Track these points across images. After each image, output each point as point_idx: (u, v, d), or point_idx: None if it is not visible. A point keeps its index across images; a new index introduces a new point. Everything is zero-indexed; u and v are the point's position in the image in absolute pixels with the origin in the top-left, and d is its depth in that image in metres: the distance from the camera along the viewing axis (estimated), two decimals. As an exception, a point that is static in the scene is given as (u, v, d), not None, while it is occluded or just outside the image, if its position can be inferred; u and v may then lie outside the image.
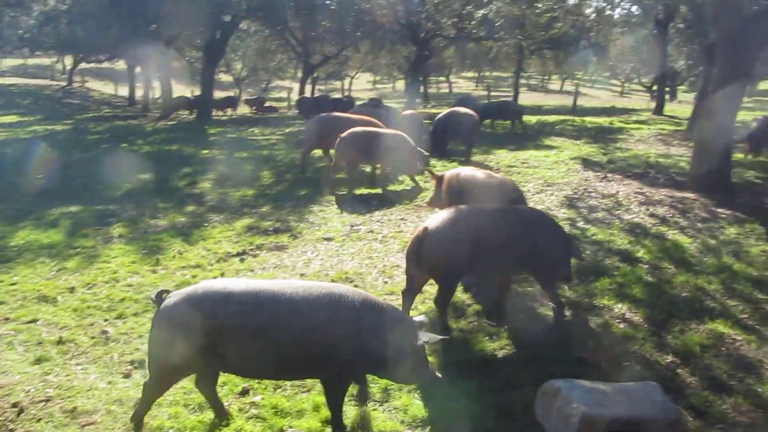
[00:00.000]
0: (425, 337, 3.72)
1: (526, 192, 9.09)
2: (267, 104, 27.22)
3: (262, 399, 4.25)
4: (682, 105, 28.47)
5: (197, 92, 24.94)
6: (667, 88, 29.92)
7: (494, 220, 5.16)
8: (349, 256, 6.94)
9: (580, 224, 7.80)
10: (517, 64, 27.35)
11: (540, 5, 17.69)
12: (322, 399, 4.09)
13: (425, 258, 4.92)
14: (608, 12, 20.48)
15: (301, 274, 6.45)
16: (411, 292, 5.23)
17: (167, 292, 3.64)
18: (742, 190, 9.38)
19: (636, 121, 19.38)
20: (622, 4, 20.19)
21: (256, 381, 4.39)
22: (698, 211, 8.33)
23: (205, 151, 13.78)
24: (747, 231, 7.67)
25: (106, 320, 5.55)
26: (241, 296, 3.48)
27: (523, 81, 40.57)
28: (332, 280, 6.16)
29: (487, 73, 47.45)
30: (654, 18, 19.66)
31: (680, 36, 20.19)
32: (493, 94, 29.15)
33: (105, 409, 4.15)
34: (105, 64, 30.10)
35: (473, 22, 19.78)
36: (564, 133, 15.76)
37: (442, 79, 45.28)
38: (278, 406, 4.14)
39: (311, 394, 4.23)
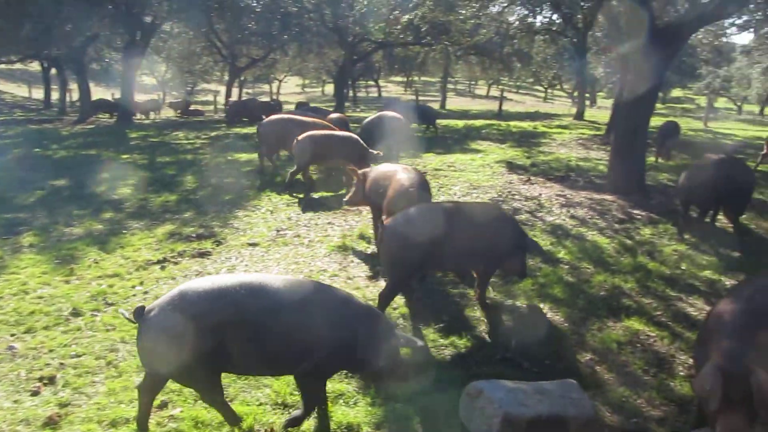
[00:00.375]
0: (402, 338, 3.76)
1: (453, 195, 9.23)
2: (192, 107, 26.56)
3: (182, 412, 4.09)
4: (601, 110, 29.59)
5: (118, 95, 24.05)
6: (587, 94, 31.12)
7: (451, 218, 5.19)
8: (275, 261, 6.82)
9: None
10: (444, 69, 27.78)
11: (464, 12, 17.99)
12: (243, 409, 3.99)
13: (381, 256, 5.31)
14: (530, 19, 21.01)
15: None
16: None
17: (143, 308, 3.51)
18: (655, 192, 9.80)
19: (558, 126, 20.03)
20: (543, 12, 20.77)
21: (176, 393, 4.23)
22: (615, 213, 8.65)
23: (126, 156, 13.29)
24: (660, 231, 8.01)
25: (13, 335, 5.22)
26: (235, 290, 3.48)
27: (450, 86, 41.30)
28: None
29: (416, 78, 48.00)
30: (573, 26, 20.37)
31: (597, 44, 20.99)
32: (421, 98, 29.49)
33: (10, 430, 3.90)
34: (17, 66, 28.60)
35: (399, 27, 19.93)
36: (490, 137, 16.10)
37: (372, 83, 45.45)
38: (198, 418, 3.99)
39: (233, 404, 4.11)
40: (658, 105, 38.39)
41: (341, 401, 4.23)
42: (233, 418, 3.84)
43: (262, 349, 3.51)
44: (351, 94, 32.28)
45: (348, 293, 3.93)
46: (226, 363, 3.58)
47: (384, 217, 5.85)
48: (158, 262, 6.83)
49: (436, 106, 26.95)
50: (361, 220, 8.04)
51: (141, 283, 6.23)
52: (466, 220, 5.26)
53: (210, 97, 32.70)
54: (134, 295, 5.97)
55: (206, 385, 3.69)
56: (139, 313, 3.46)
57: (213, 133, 17.16)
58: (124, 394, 4.28)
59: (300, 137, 9.30)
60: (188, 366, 3.44)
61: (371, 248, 7.01)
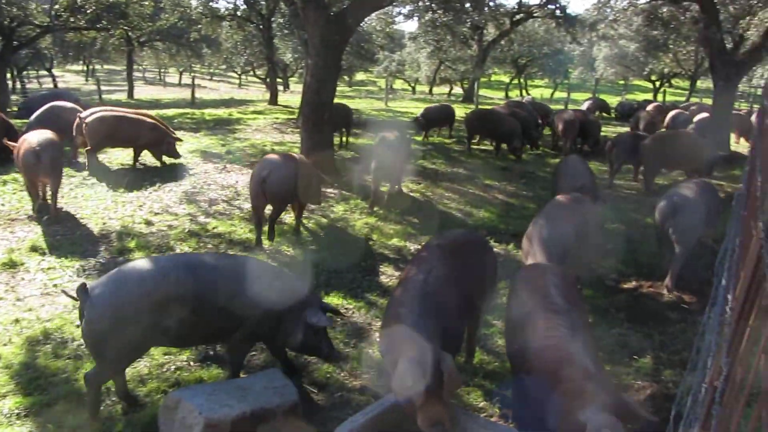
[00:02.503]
0: (315, 317, 3.96)
1: (144, 191, 8.58)
2: None
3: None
4: (294, 94, 30.52)
5: None
6: (279, 79, 31.79)
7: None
8: None
9: (201, 219, 7.65)
10: (128, 57, 25.81)
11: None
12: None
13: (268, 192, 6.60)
14: (213, 4, 20.57)
15: None
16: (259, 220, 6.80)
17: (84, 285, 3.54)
18: (345, 170, 10.36)
19: (253, 112, 20.04)
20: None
21: None
22: (311, 193, 8.91)
23: None
24: (352, 206, 8.49)
25: None
26: (175, 268, 3.69)
27: (138, 74, 38.70)
28: None
29: (99, 67, 43.97)
30: (258, 12, 20.49)
31: (281, 30, 21.45)
32: (105, 88, 27.06)
33: None
34: None
35: (66, 11, 17.79)
36: (183, 127, 15.38)
37: (45, 72, 40.33)
38: None
39: None
40: (346, 88, 41.13)
41: None
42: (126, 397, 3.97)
43: (202, 321, 3.72)
44: (19, 85, 28.21)
45: (279, 267, 4.37)
46: (165, 337, 3.71)
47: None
48: None
49: (122, 96, 25.02)
50: (32, 230, 6.99)
51: None
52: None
53: None
54: None
55: (125, 361, 3.78)
56: (84, 291, 3.50)
57: None
58: None
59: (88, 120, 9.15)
60: (129, 341, 3.56)
61: (46, 260, 6.15)
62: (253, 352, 4.62)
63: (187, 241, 6.85)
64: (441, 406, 3.08)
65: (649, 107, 18.89)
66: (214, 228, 7.31)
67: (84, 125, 9.14)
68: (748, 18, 16.69)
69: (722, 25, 13.96)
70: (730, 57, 13.20)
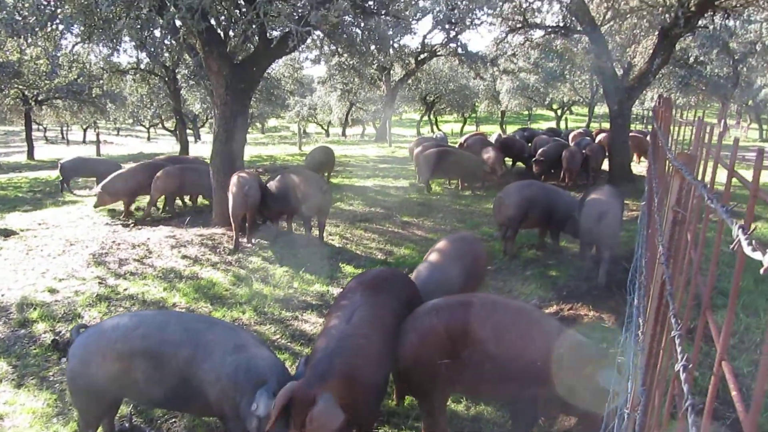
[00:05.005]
0: (258, 401, 3.25)
1: (47, 256, 8.12)
2: None
3: None
4: (206, 144, 30.04)
5: None
6: (190, 130, 31.25)
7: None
8: None
9: (111, 281, 7.28)
10: (25, 116, 24.66)
11: (30, 51, 16.18)
12: None
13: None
14: (114, 59, 20.04)
15: None
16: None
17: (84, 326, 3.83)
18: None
19: (164, 165, 19.52)
20: (126, 51, 20.08)
21: None
22: (227, 245, 8.69)
23: None
24: (270, 256, 8.33)
25: None
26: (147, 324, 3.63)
27: (39, 134, 37.13)
28: None
29: (-6, 128, 41.95)
30: (162, 65, 20.14)
31: (187, 81, 21.17)
32: (2, 150, 25.74)
33: None
34: None
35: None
36: (88, 185, 14.80)
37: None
38: None
39: None
40: (259, 135, 40.91)
41: None
42: None
43: (165, 382, 3.55)
44: None
45: (251, 336, 3.80)
46: (133, 392, 3.66)
47: None
48: None
49: (21, 158, 23.84)
50: None
51: None
52: None
53: None
54: None
55: (96, 410, 3.76)
56: (75, 334, 3.79)
57: None
58: None
59: None
60: (96, 391, 3.60)
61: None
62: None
63: (96, 306, 6.48)
64: None
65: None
66: (125, 290, 6.97)
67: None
68: (633, 46, 17.87)
69: (611, 54, 14.87)
70: (621, 83, 14.05)
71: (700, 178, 2.19)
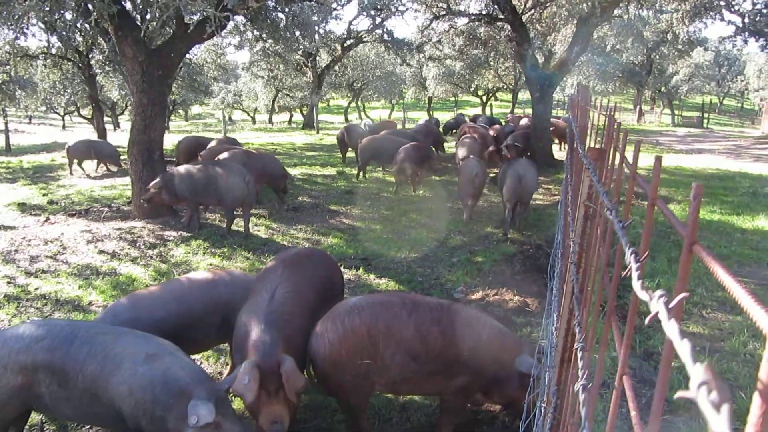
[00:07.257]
0: (198, 416, 3.00)
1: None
2: None
3: None
4: (126, 133, 28.88)
5: None
6: (108, 118, 29.95)
7: None
8: None
9: (22, 280, 6.88)
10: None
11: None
12: None
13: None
14: (22, 43, 18.90)
15: None
16: None
17: None
18: (184, 210, 9.88)
19: (79, 155, 18.63)
20: (35, 35, 18.93)
21: None
22: (147, 238, 8.38)
23: None
24: (194, 248, 8.08)
25: None
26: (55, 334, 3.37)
27: (-60, 123, 34.68)
28: None
29: None
30: (75, 49, 19.18)
31: (103, 68, 20.26)
32: None
33: None
34: None
35: None
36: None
37: None
38: None
39: None
40: (183, 122, 39.67)
41: None
42: None
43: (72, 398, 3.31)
44: None
45: (166, 343, 3.43)
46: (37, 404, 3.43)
47: None
48: None
49: None
50: None
51: None
52: None
53: None
54: None
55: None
56: None
57: None
58: None
59: None
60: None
61: None
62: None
63: (4, 308, 6.10)
64: (281, 405, 3.35)
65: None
66: (36, 289, 6.60)
67: None
68: (553, 34, 18.34)
69: (532, 42, 15.19)
70: (542, 70, 14.39)
71: (611, 168, 2.23)
